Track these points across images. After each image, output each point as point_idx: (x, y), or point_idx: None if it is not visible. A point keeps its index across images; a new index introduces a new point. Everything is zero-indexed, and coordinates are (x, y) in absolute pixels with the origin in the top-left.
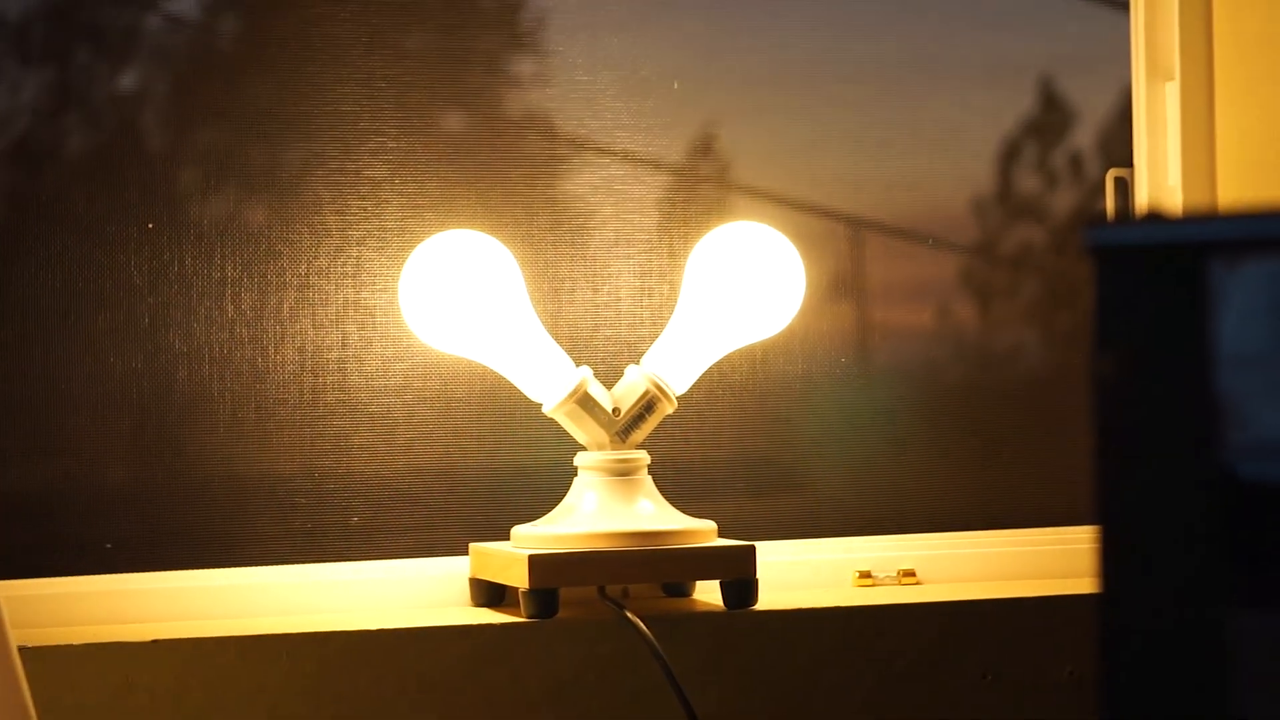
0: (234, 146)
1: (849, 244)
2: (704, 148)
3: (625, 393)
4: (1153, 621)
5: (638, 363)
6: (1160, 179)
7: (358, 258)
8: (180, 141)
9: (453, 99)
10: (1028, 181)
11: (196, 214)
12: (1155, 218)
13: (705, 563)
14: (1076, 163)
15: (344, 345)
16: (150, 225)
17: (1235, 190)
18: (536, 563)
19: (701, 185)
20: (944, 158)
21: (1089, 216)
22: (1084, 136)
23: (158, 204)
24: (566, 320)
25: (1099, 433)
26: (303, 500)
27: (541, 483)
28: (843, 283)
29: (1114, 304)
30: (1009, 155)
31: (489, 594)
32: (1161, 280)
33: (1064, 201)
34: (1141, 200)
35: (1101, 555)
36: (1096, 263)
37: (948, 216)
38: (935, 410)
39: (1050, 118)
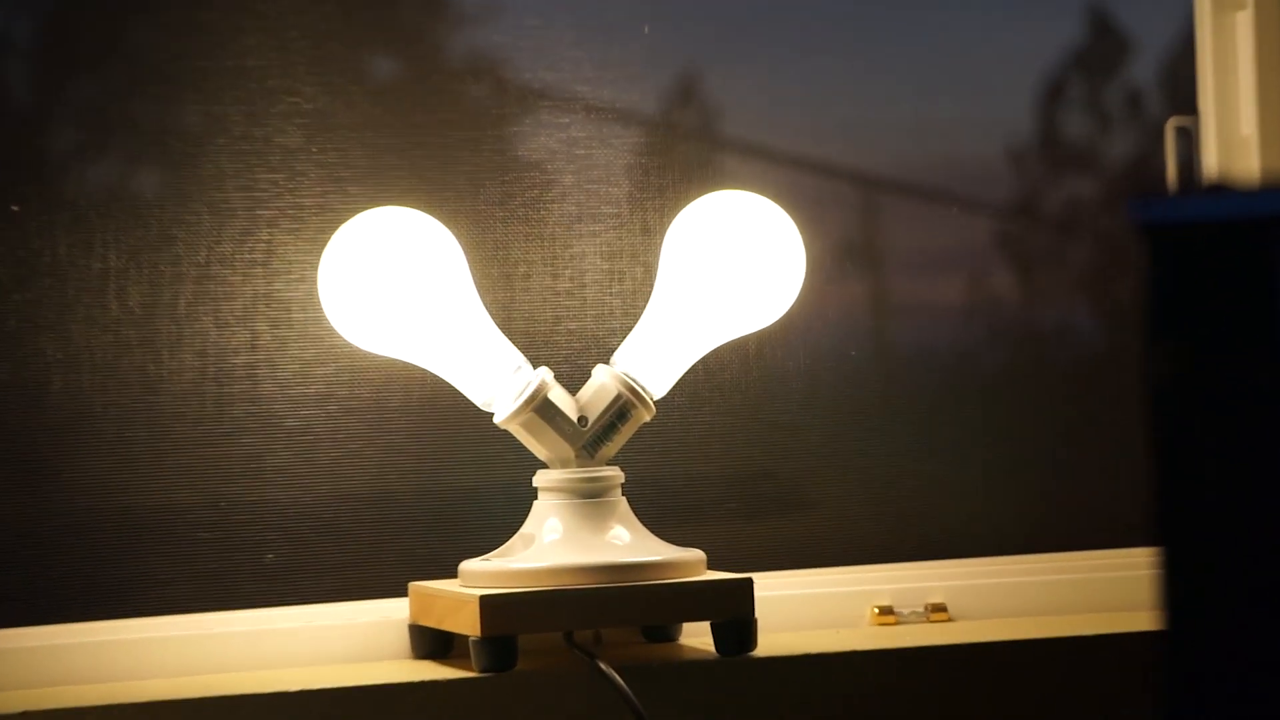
0: (116, 109)
1: (859, 209)
2: (682, 101)
3: (593, 398)
4: (1226, 662)
5: (607, 362)
6: (1231, 128)
7: (268, 242)
8: (50, 103)
9: (380, 50)
10: (1075, 127)
11: (71, 192)
12: (1218, 188)
13: (693, 600)
14: (1134, 103)
15: (254, 348)
16: (15, 207)
17: None
18: (490, 605)
19: (680, 146)
20: (974, 100)
21: (1145, 174)
22: (1143, 72)
23: (23, 180)
24: (520, 312)
25: (1157, 439)
26: (206, 535)
27: (494, 508)
28: (851, 257)
29: (1170, 290)
30: (1052, 95)
31: (433, 644)
32: (1225, 261)
33: (1119, 149)
34: (1209, 154)
35: (1164, 583)
36: (1149, 242)
37: (979, 171)
38: (965, 409)
39: (1102, 51)
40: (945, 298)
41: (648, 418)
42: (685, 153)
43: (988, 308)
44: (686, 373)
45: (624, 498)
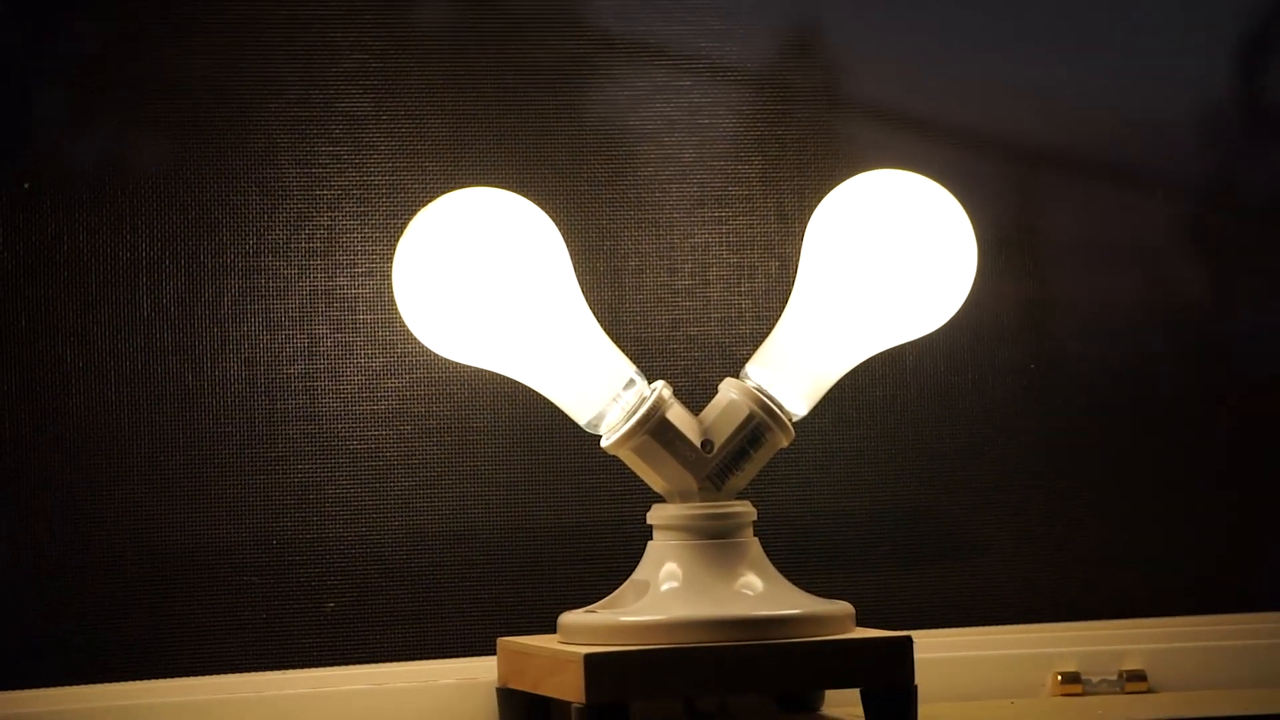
0: (146, 68)
1: (1024, 190)
2: (829, 62)
3: (720, 418)
4: None
5: (737, 375)
6: None
7: (329, 228)
8: (68, 61)
9: None
10: None
11: (92, 166)
12: None
13: (839, 663)
14: None
15: (312, 355)
16: (26, 185)
17: None
18: (596, 666)
19: (824, 116)
20: (1156, 54)
21: None
22: None
23: (35, 152)
24: (632, 315)
25: None
26: (256, 580)
27: (600, 550)
28: (1020, 249)
29: None
30: (1256, 47)
31: (526, 711)
32: None
33: None
34: None
35: None
36: None
37: (1163, 143)
38: (1163, 434)
39: None
40: (1128, 300)
41: (785, 442)
42: (831, 123)
43: (1175, 309)
44: (831, 389)
45: (756, 539)
